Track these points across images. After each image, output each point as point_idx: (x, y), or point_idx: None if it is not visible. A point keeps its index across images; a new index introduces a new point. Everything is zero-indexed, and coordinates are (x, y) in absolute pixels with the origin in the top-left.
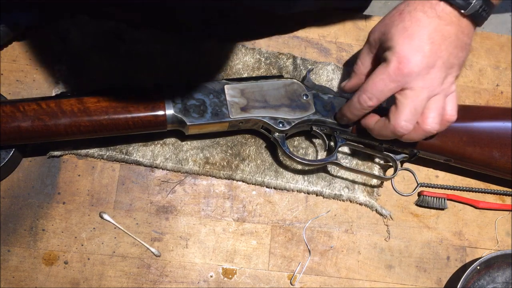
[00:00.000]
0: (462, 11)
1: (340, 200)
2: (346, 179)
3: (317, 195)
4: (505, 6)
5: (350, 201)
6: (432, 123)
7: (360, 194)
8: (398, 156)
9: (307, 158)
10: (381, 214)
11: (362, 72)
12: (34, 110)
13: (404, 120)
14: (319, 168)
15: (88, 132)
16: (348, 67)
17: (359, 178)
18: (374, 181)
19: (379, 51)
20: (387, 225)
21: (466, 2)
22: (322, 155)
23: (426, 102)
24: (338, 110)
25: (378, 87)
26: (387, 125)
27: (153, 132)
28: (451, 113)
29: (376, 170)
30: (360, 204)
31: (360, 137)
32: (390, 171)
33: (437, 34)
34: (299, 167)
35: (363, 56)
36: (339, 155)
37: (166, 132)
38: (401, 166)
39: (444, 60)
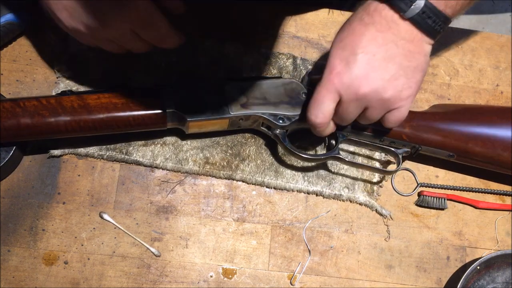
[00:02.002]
0: (401, 13)
1: (340, 200)
2: (346, 178)
3: (317, 195)
4: (505, 6)
5: (350, 201)
6: (366, 123)
7: (360, 194)
8: (400, 150)
9: (309, 153)
10: (381, 214)
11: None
12: (34, 106)
13: (337, 122)
14: (319, 167)
15: (88, 129)
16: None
17: (359, 178)
18: (375, 180)
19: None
20: (387, 225)
21: (406, 4)
22: (322, 152)
23: (357, 111)
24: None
25: (318, 101)
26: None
27: (153, 130)
28: (388, 123)
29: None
30: (360, 204)
31: (361, 133)
32: (391, 168)
33: (370, 43)
34: (300, 164)
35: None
36: (341, 153)
37: (166, 130)
38: (403, 161)
39: (380, 70)
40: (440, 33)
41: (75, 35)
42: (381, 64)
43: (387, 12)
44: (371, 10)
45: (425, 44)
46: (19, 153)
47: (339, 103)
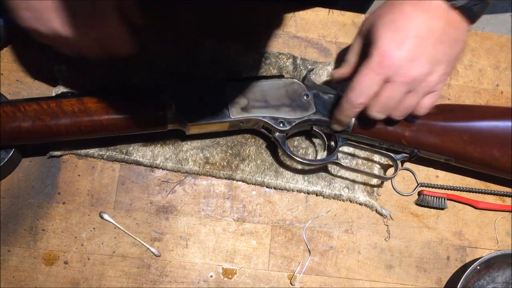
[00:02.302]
0: (452, 2)
1: (340, 200)
2: (346, 179)
3: (317, 195)
4: (505, 6)
5: (350, 201)
6: (398, 117)
7: (360, 194)
8: (399, 156)
9: (308, 158)
10: (381, 214)
11: (352, 61)
12: (34, 110)
13: (376, 111)
14: (319, 168)
15: (89, 132)
16: (339, 59)
17: (359, 178)
18: (374, 181)
19: (366, 42)
20: (387, 225)
21: None
22: (322, 155)
23: (402, 96)
24: (331, 117)
25: (364, 82)
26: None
27: (154, 132)
28: (421, 110)
29: (376, 170)
30: (360, 204)
31: (361, 137)
32: (390, 171)
33: (422, 28)
34: (299, 167)
35: (354, 46)
36: (340, 155)
37: (167, 132)
38: (402, 165)
39: (429, 55)
40: (477, 16)
41: (31, 33)
42: (430, 49)
43: (438, 1)
44: None
45: (466, 32)
46: (18, 153)
47: (385, 87)
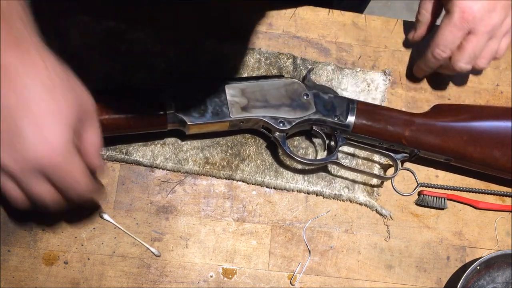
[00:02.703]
0: None
1: (340, 200)
2: (346, 179)
3: (317, 195)
4: None
5: (350, 201)
6: (484, 64)
7: (360, 194)
8: (399, 156)
9: (308, 158)
10: (381, 214)
11: (426, 19)
12: None
13: (464, 63)
14: (319, 168)
15: None
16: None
17: (359, 178)
18: (374, 181)
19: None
20: (387, 225)
21: None
22: (322, 154)
23: (485, 44)
24: (415, 64)
25: (448, 38)
26: (448, 64)
27: (153, 131)
28: (500, 53)
29: (376, 169)
30: (360, 204)
31: (361, 136)
32: (390, 171)
33: None
34: (299, 167)
35: (425, 5)
36: (340, 155)
37: (167, 131)
38: (402, 165)
39: (503, 3)
40: None
41: None
42: None
43: None
44: None
45: None
46: None
47: (469, 39)
